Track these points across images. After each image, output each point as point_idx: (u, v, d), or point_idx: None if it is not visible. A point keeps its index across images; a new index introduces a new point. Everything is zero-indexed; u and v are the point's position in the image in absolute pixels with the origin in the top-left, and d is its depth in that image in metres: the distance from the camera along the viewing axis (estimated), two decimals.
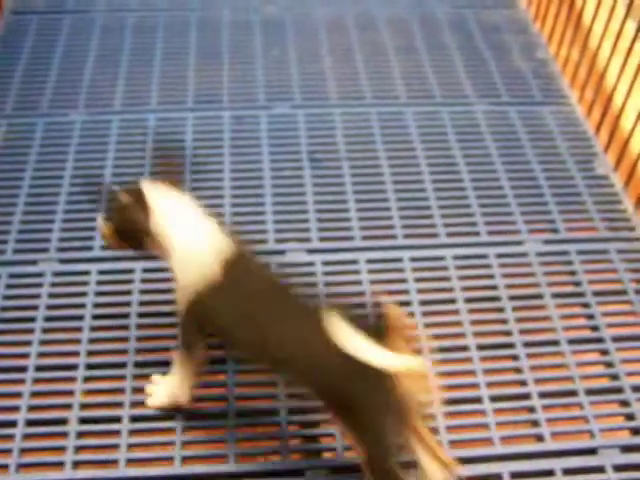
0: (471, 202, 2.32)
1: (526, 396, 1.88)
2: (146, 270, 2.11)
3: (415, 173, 2.40)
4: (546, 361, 1.97)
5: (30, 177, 2.36)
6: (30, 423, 1.81)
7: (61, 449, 1.77)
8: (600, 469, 1.76)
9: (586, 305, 2.08)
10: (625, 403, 1.88)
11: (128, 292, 2.07)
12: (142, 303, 2.04)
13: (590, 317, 2.06)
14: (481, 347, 1.97)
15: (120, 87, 2.68)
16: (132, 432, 1.80)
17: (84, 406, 1.84)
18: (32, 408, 1.84)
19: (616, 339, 2.01)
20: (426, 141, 2.51)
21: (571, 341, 2.00)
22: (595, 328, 2.03)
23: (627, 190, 2.41)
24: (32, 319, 2.01)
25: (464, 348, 1.97)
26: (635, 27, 2.37)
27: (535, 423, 1.83)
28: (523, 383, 1.90)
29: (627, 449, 1.80)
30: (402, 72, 2.77)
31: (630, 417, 1.86)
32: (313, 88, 2.69)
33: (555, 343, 1.99)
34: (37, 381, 1.89)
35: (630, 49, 2.42)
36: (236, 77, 2.73)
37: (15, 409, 1.83)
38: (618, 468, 1.76)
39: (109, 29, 2.95)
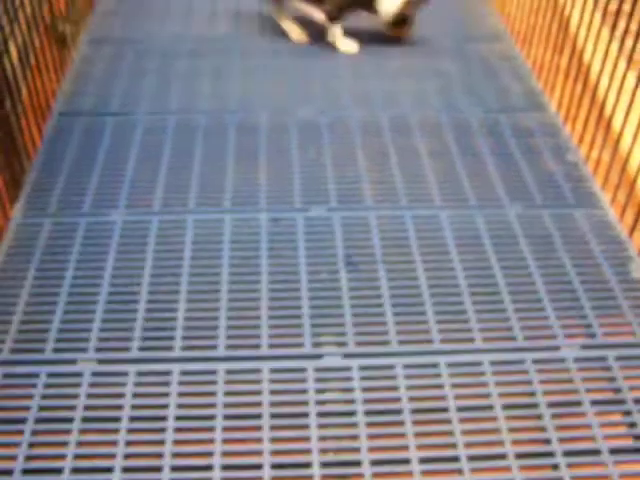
0: (507, 306, 2.33)
1: None
2: (184, 373, 2.12)
3: (450, 277, 2.42)
4: (587, 471, 1.93)
5: (71, 276, 2.41)
6: None
7: None
8: None
9: (628, 413, 2.06)
10: None
11: (166, 394, 2.07)
12: (180, 406, 2.04)
13: (632, 425, 2.03)
14: (519, 456, 1.95)
15: (159, 188, 2.75)
16: None
17: None
18: None
19: None
20: (461, 244, 2.54)
21: (613, 450, 1.97)
22: (638, 437, 2.00)
23: None
24: (70, 420, 2.02)
25: (502, 456, 1.94)
26: None
27: None
28: None
29: None
30: (436, 175, 2.82)
31: None
32: (349, 191, 2.75)
33: (596, 452, 1.96)
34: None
35: None
36: (273, 179, 2.80)
37: None
38: None
39: (150, 131, 3.05)
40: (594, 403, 2.08)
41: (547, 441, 1.99)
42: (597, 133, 2.89)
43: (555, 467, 1.93)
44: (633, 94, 2.68)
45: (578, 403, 2.08)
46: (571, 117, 3.10)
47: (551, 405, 2.07)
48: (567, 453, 1.96)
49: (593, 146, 2.92)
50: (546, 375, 2.15)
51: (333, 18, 3.36)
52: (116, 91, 3.29)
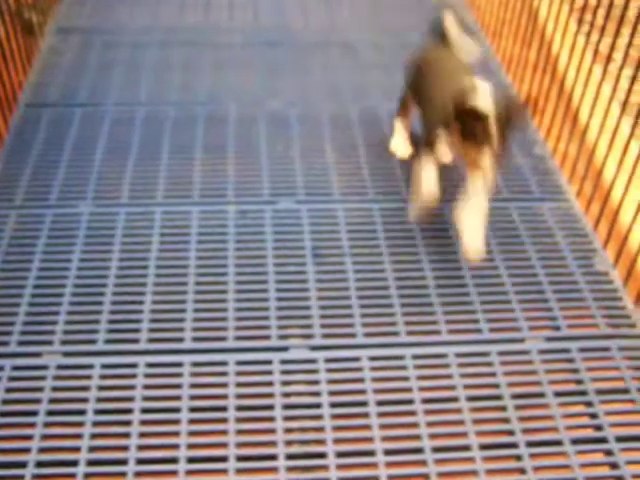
0: (472, 299, 2.34)
1: None
2: (150, 365, 2.12)
3: (417, 269, 2.43)
4: (549, 461, 1.96)
5: (37, 268, 2.39)
6: None
7: None
8: None
9: (589, 404, 2.08)
10: None
11: (131, 387, 2.07)
12: (145, 398, 2.04)
13: (593, 416, 2.06)
14: (483, 447, 1.97)
15: (127, 180, 2.74)
16: None
17: None
18: None
19: (620, 439, 2.00)
20: (428, 237, 2.55)
21: (574, 441, 1.99)
22: (599, 428, 2.03)
23: (627, 287, 2.44)
24: (34, 413, 2.00)
25: (466, 448, 1.96)
26: (630, 124, 2.44)
27: None
28: None
29: None
30: (404, 169, 2.83)
31: None
32: (317, 184, 2.75)
33: (558, 443, 1.99)
34: (36, 477, 1.88)
35: (627, 145, 2.48)
36: (241, 171, 2.79)
37: None
38: None
39: (118, 122, 3.02)
40: (557, 394, 2.10)
41: (511, 432, 2.01)
42: (564, 126, 2.91)
43: (518, 458, 1.95)
44: (599, 87, 2.71)
45: (541, 395, 2.10)
46: (539, 110, 3.12)
47: (515, 397, 2.09)
48: (530, 444, 1.98)
49: (560, 139, 2.95)
50: (510, 367, 2.17)
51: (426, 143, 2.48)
52: (84, 82, 3.26)
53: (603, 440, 2.00)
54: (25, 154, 2.85)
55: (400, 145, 2.88)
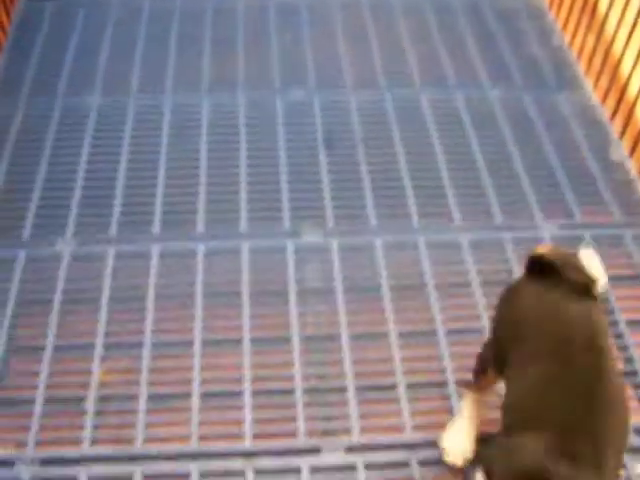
0: (486, 187, 2.33)
1: None
2: (164, 252, 2.12)
3: (430, 157, 2.41)
4: None
5: (47, 160, 2.38)
6: (49, 401, 1.83)
7: (79, 427, 1.78)
8: None
9: None
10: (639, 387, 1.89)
11: (145, 274, 2.08)
12: (159, 285, 2.05)
13: (605, 302, 2.06)
14: None
15: (136, 72, 2.69)
16: (150, 411, 1.81)
17: (103, 385, 1.86)
18: (51, 387, 1.85)
19: (630, 323, 2.01)
20: (441, 126, 2.52)
21: None
22: (610, 312, 2.03)
23: None
24: (50, 301, 2.02)
25: (479, 330, 1.98)
26: None
27: None
28: None
29: None
30: (417, 57, 2.77)
31: None
32: (328, 73, 2.70)
33: None
34: (55, 361, 1.90)
35: None
36: (251, 62, 2.74)
37: (33, 387, 1.85)
38: None
39: (125, 14, 2.96)
40: None
41: None
42: (582, 18, 2.83)
43: None
44: None
45: None
46: (557, 1, 3.03)
47: None
48: None
49: (578, 31, 2.87)
50: (524, 254, 2.16)
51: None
52: None
53: (614, 324, 2.01)
54: (30, 46, 2.80)
55: (457, 442, 1.72)
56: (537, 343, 1.40)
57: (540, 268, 1.47)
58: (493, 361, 1.56)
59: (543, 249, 1.47)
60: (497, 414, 1.45)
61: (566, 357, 1.36)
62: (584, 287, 1.42)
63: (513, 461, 1.33)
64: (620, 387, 1.39)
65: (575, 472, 1.28)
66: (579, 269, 1.43)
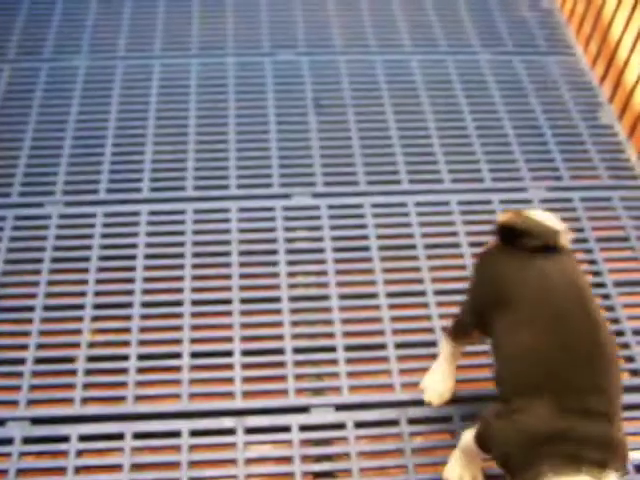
0: (475, 149, 2.33)
1: None
2: (152, 213, 2.12)
3: (420, 120, 2.40)
4: None
5: (35, 121, 2.36)
6: (39, 361, 1.83)
7: (70, 386, 1.79)
8: None
9: (589, 251, 2.10)
10: (626, 346, 1.91)
11: (134, 234, 2.08)
12: (148, 245, 2.05)
13: (592, 262, 2.08)
14: None
15: (124, 33, 2.67)
16: (140, 370, 1.82)
17: (92, 345, 1.86)
18: (41, 346, 1.86)
19: (618, 284, 2.03)
20: (431, 89, 2.51)
21: None
22: (597, 273, 2.05)
23: (630, 139, 2.42)
24: (39, 260, 2.02)
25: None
26: None
27: None
28: None
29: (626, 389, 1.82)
30: (407, 20, 2.75)
31: (630, 359, 1.89)
32: (318, 35, 2.68)
33: None
34: (45, 320, 1.91)
35: (636, 3, 2.41)
36: (240, 23, 2.71)
37: (24, 347, 1.85)
38: None
39: None
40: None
41: None
42: None
43: None
44: None
45: None
46: None
47: None
48: None
49: None
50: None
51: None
52: None
53: (602, 285, 2.03)
54: (15, 6, 2.76)
55: (435, 381, 1.78)
56: (523, 307, 1.40)
57: (508, 234, 1.47)
58: (475, 326, 1.57)
59: (504, 217, 1.48)
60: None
61: (557, 316, 1.37)
62: (552, 241, 1.43)
63: (522, 427, 1.34)
64: (609, 334, 1.41)
65: (591, 427, 1.30)
66: (541, 225, 1.45)
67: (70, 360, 1.84)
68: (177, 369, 1.82)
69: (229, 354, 1.85)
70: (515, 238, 1.45)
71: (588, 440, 1.29)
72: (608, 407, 1.33)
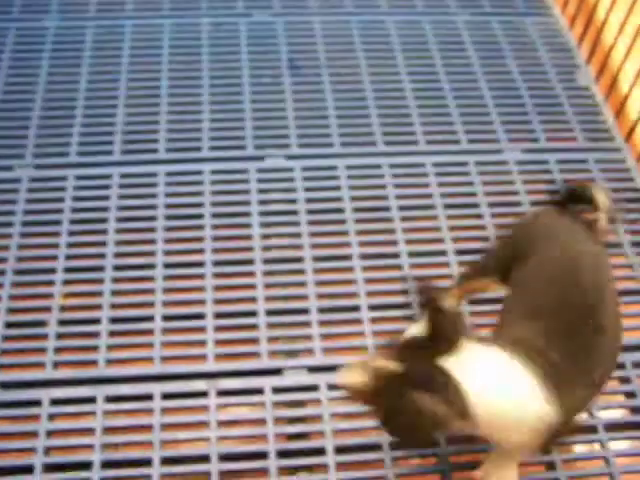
0: (451, 111, 2.31)
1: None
2: (124, 175, 2.09)
3: (395, 81, 2.38)
4: None
5: (3, 83, 2.31)
6: (10, 325, 1.81)
7: (41, 350, 1.78)
8: None
9: None
10: None
11: (106, 197, 2.05)
12: (120, 208, 2.02)
13: None
14: (459, 252, 1.99)
15: None
16: (112, 333, 1.80)
17: (64, 308, 1.84)
18: (11, 310, 1.84)
19: None
20: (407, 50, 2.48)
21: None
22: None
23: (607, 101, 2.41)
24: (9, 224, 1.99)
25: (442, 253, 1.98)
26: None
27: None
28: None
29: None
30: None
31: None
32: None
33: None
34: (16, 284, 1.88)
35: None
36: None
37: None
38: None
39: None
40: (534, 203, 2.11)
41: (486, 239, 2.02)
42: None
43: None
44: None
45: (518, 203, 2.11)
46: None
47: (492, 205, 2.09)
48: None
49: None
50: (488, 177, 2.16)
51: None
52: None
53: None
54: None
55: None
56: (543, 260, 1.43)
57: (573, 196, 1.53)
58: (496, 270, 1.55)
59: (579, 182, 1.58)
60: None
61: (571, 276, 1.38)
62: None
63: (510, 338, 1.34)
64: (618, 317, 1.41)
65: (564, 364, 1.30)
66: (607, 204, 1.49)
67: (41, 324, 1.82)
68: (149, 332, 1.81)
69: (201, 317, 1.83)
70: (575, 202, 1.50)
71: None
72: (587, 362, 1.33)
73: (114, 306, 1.84)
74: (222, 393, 1.73)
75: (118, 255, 1.94)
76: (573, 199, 1.53)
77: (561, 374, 1.30)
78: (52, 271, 1.91)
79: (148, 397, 1.72)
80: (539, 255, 1.44)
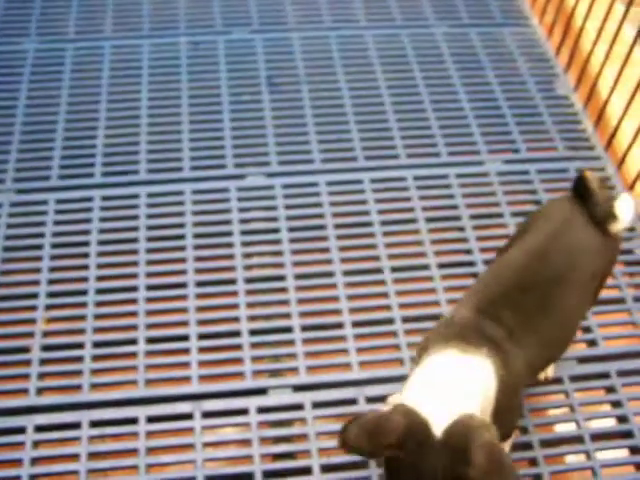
0: (431, 124, 2.31)
1: None
2: (105, 198, 2.09)
3: (375, 96, 2.38)
4: None
5: None
6: None
7: (24, 376, 1.77)
8: None
9: None
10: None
11: (87, 220, 2.05)
12: (102, 230, 2.02)
13: None
14: (441, 265, 1.99)
15: (73, 14, 2.61)
16: (95, 357, 1.80)
17: (46, 334, 1.84)
18: None
19: None
20: (386, 64, 2.49)
21: None
22: None
23: (587, 110, 2.41)
24: None
25: (425, 267, 1.98)
26: None
27: None
28: None
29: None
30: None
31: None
32: (271, 12, 2.64)
33: None
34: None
35: None
36: (192, 2, 2.67)
37: None
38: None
39: None
40: (515, 215, 2.11)
41: (468, 251, 2.03)
42: None
43: (475, 275, 1.98)
44: None
45: (500, 215, 2.11)
46: None
47: (473, 217, 2.10)
48: (487, 262, 2.00)
49: None
50: (469, 189, 2.17)
51: None
52: None
53: None
54: None
55: None
56: (531, 235, 1.50)
57: (580, 187, 1.53)
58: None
59: (588, 172, 1.53)
60: None
61: (546, 252, 1.45)
62: (604, 220, 1.49)
63: (445, 320, 1.46)
64: (574, 311, 1.49)
65: (491, 329, 1.38)
66: (608, 201, 1.50)
67: (24, 350, 1.81)
68: (133, 355, 1.80)
69: (185, 338, 1.83)
70: (582, 193, 1.52)
71: (482, 334, 1.37)
72: (518, 327, 1.39)
73: (97, 330, 1.84)
74: (207, 414, 1.72)
75: (101, 278, 1.93)
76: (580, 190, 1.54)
77: (513, 335, 1.39)
78: (34, 296, 1.90)
79: (133, 421, 1.71)
80: (531, 232, 1.51)
